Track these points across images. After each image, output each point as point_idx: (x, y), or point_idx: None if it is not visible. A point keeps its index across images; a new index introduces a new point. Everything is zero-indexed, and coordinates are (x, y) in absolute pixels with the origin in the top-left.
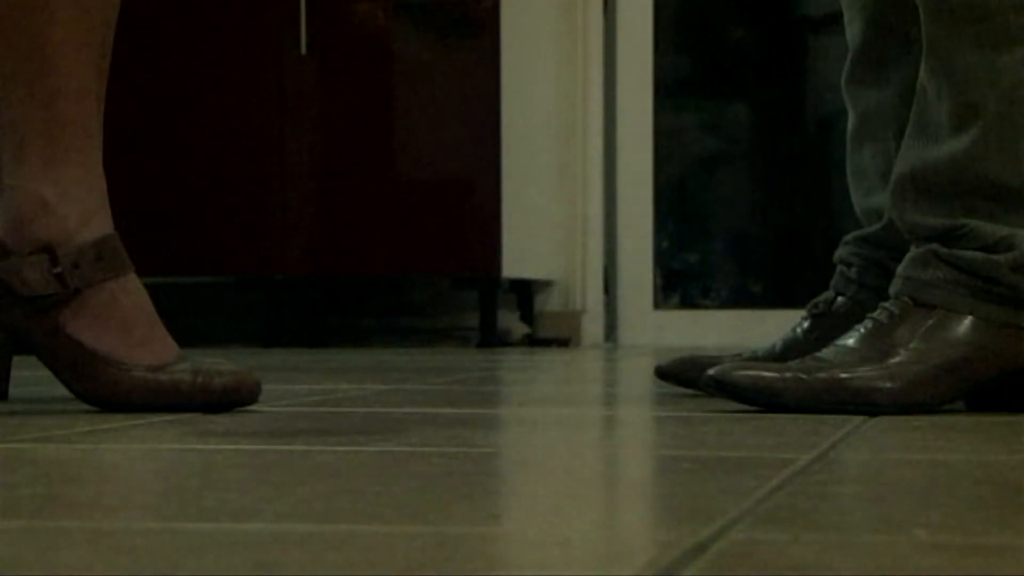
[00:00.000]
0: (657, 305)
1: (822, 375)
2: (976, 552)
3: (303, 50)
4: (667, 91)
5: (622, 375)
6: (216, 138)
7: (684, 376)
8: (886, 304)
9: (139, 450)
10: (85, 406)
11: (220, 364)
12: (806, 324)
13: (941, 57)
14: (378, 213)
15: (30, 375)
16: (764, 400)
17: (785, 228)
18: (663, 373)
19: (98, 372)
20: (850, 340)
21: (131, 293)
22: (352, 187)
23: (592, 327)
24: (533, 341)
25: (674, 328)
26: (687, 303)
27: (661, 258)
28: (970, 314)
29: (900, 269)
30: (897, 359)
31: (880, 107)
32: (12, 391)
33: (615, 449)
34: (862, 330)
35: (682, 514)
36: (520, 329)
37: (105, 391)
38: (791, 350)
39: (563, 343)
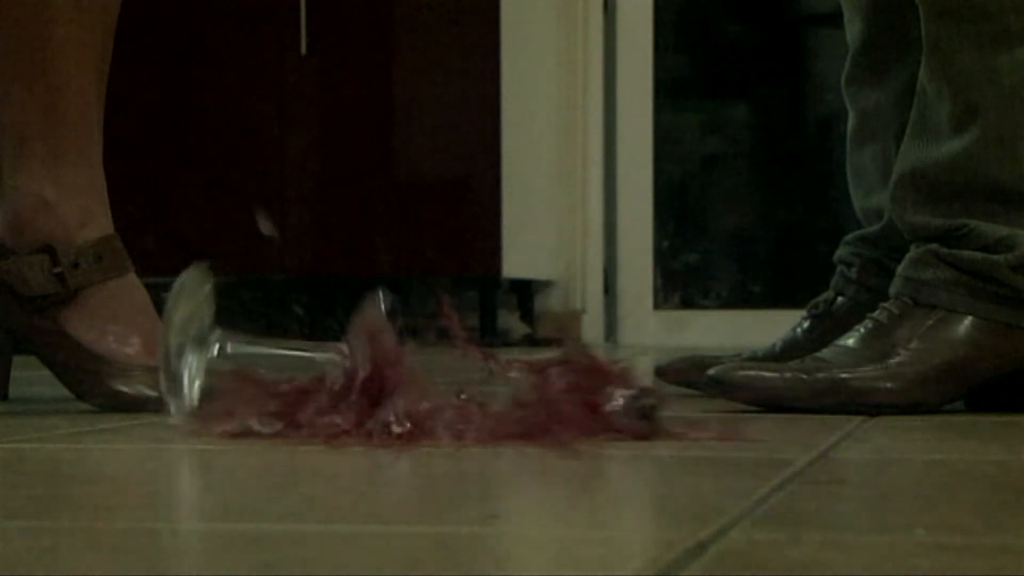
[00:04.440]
0: (657, 305)
1: (822, 375)
2: (976, 552)
3: (303, 50)
4: (667, 91)
5: None
6: (216, 138)
7: (684, 376)
8: (886, 304)
9: (139, 450)
10: (85, 406)
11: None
12: (806, 324)
13: (941, 57)
14: (378, 213)
15: (30, 375)
16: (764, 400)
17: (785, 228)
18: (663, 373)
19: (98, 372)
20: (850, 340)
21: (131, 293)
22: (352, 187)
23: (592, 327)
24: (533, 341)
25: (674, 328)
26: (687, 303)
27: (661, 258)
28: (970, 314)
29: (900, 269)
30: (897, 359)
31: (880, 107)
32: (12, 391)
33: (615, 449)
34: (862, 330)
35: (682, 514)
36: (520, 329)
37: (105, 391)
38: (791, 350)
39: (563, 343)
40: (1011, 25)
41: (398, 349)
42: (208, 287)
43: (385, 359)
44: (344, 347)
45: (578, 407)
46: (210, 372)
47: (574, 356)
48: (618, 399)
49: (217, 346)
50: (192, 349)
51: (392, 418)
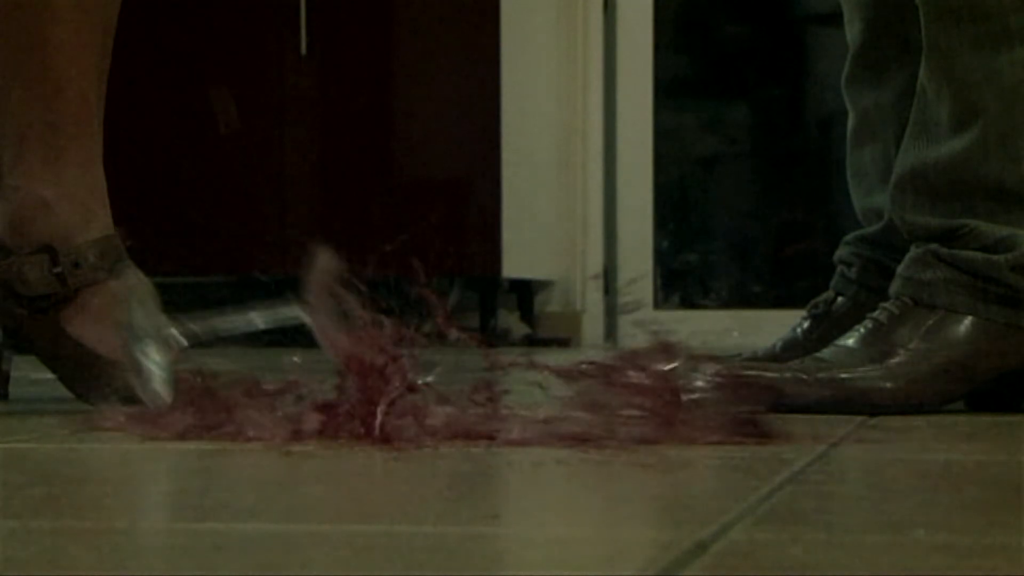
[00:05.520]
0: (657, 305)
1: (822, 375)
2: (976, 552)
3: (303, 50)
4: (667, 91)
5: None
6: (216, 138)
7: None
8: (886, 304)
9: (139, 450)
10: (85, 406)
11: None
12: (806, 324)
13: (941, 57)
14: (378, 213)
15: (30, 375)
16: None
17: (785, 228)
18: None
19: (98, 372)
20: (850, 340)
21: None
22: (352, 187)
23: (592, 327)
24: (533, 341)
25: (674, 328)
26: (687, 303)
27: (661, 258)
28: (970, 314)
29: (900, 269)
30: (897, 359)
31: (880, 107)
32: (12, 391)
33: (615, 449)
34: (862, 330)
35: (682, 514)
36: (520, 329)
37: (105, 391)
38: (791, 350)
39: (563, 343)
40: (1011, 25)
41: (394, 347)
42: (155, 295)
43: (375, 349)
44: (303, 307)
45: (653, 411)
46: (176, 366)
47: (642, 354)
48: (698, 395)
49: (179, 335)
50: (153, 343)
51: (389, 418)
